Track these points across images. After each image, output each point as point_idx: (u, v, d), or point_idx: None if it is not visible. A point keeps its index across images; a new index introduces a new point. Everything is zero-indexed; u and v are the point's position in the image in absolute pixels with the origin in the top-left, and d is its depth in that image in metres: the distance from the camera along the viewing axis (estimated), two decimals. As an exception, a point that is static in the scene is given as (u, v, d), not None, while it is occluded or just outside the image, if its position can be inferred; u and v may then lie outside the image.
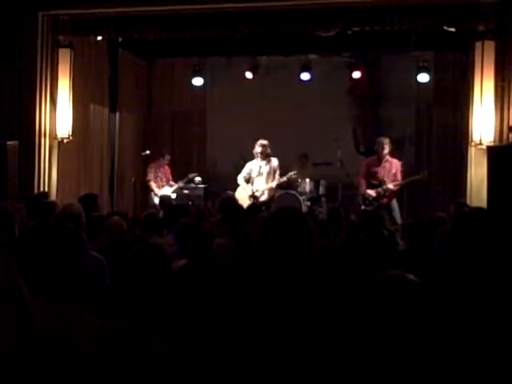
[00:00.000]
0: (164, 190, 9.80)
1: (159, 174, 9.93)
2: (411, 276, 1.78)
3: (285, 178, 9.06)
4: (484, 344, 1.98)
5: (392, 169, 8.60)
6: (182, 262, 3.76)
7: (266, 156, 8.92)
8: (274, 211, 2.50)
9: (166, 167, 10.07)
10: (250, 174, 9.07)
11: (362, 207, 8.48)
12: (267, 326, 2.06)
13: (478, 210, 5.27)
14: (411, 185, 8.85)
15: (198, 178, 10.30)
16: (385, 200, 8.50)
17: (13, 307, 1.71)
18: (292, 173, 9.15)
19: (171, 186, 9.92)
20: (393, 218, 8.35)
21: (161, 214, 6.87)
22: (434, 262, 2.42)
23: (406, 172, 8.75)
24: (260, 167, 9.00)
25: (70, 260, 2.14)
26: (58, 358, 1.62)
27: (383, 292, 1.72)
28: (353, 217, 7.02)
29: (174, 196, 9.73)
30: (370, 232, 4.72)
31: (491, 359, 1.96)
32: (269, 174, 8.99)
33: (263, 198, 8.95)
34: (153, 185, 9.84)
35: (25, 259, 2.09)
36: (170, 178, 10.04)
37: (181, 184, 9.91)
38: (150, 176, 9.86)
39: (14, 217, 3.80)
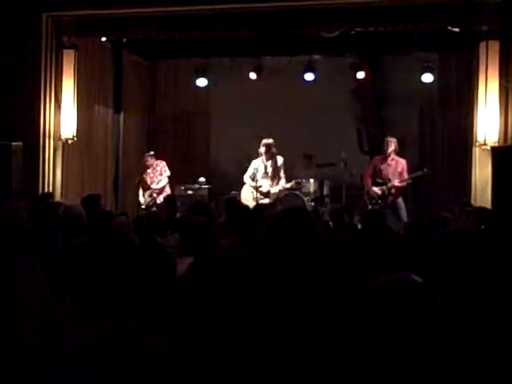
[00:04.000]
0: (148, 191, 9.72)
1: (144, 176, 9.79)
2: (416, 277, 1.73)
3: (288, 185, 9.08)
4: (483, 342, 1.98)
5: (398, 167, 8.63)
6: (188, 260, 3.76)
7: (271, 155, 8.89)
8: (281, 211, 2.54)
9: (156, 166, 9.79)
10: (255, 173, 9.03)
11: (369, 206, 8.50)
12: (275, 321, 2.08)
13: (481, 210, 5.26)
14: (416, 182, 8.86)
15: (202, 179, 10.32)
16: (390, 198, 8.51)
17: (38, 308, 1.73)
18: (293, 182, 9.16)
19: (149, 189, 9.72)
20: (398, 216, 8.36)
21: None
22: (434, 261, 2.42)
23: (410, 171, 8.75)
24: (265, 167, 8.96)
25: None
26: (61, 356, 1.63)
27: (387, 296, 1.68)
28: (357, 217, 7.02)
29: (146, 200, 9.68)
30: (373, 230, 4.71)
31: (493, 359, 1.96)
32: (274, 173, 8.97)
33: (266, 200, 8.91)
34: (140, 188, 9.81)
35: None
36: (160, 176, 9.74)
37: (157, 186, 9.69)
38: (140, 179, 9.77)
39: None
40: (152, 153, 9.97)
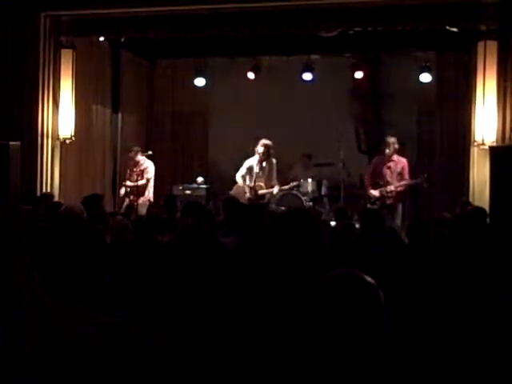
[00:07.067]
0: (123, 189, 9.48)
1: (128, 172, 9.56)
2: (365, 275, 1.72)
3: (287, 187, 9.06)
4: (477, 343, 1.98)
5: (398, 168, 8.57)
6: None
7: (267, 157, 8.82)
8: (285, 211, 2.55)
9: (136, 161, 9.37)
10: (248, 173, 8.87)
11: (368, 205, 8.49)
12: (275, 320, 2.09)
13: (478, 209, 5.27)
14: (413, 187, 8.85)
15: (200, 179, 10.31)
16: (390, 201, 8.49)
17: (31, 308, 1.72)
18: (293, 184, 9.16)
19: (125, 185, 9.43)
20: (393, 220, 8.33)
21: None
22: (433, 259, 2.44)
23: (409, 173, 8.72)
24: (260, 167, 8.84)
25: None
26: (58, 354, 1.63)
27: (329, 290, 1.68)
28: (355, 217, 7.02)
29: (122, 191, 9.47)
30: (370, 230, 4.71)
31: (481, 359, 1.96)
32: (268, 175, 8.90)
33: (259, 200, 8.83)
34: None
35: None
36: (139, 176, 9.21)
37: (130, 183, 9.32)
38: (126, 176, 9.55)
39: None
40: (138, 148, 9.49)
